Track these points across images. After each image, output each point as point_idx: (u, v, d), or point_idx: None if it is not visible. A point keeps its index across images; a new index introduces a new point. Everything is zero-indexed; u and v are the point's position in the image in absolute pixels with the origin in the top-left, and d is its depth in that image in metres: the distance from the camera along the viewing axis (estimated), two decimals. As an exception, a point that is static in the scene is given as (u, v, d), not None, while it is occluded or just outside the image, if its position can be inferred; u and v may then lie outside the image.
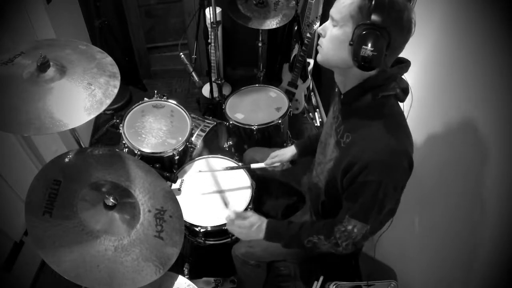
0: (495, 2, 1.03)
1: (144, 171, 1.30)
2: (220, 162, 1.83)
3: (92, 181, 1.16)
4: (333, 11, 1.02)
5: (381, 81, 1.03)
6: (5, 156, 1.72)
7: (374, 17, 0.93)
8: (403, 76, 1.07)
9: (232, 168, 1.72)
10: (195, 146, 1.92)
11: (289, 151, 1.60)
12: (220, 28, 2.55)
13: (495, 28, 1.03)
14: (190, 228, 1.59)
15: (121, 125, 1.83)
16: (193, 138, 1.93)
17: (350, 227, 1.09)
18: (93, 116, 1.09)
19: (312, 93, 2.98)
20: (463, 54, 1.18)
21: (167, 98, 1.99)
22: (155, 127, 1.86)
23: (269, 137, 2.08)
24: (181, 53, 2.46)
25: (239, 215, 1.31)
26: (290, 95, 2.71)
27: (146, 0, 3.08)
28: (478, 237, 1.10)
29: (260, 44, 2.51)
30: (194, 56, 2.65)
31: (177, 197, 1.34)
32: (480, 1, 1.10)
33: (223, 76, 2.84)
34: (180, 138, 1.82)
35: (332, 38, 1.03)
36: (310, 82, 2.79)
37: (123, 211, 1.15)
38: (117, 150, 1.32)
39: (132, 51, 3.03)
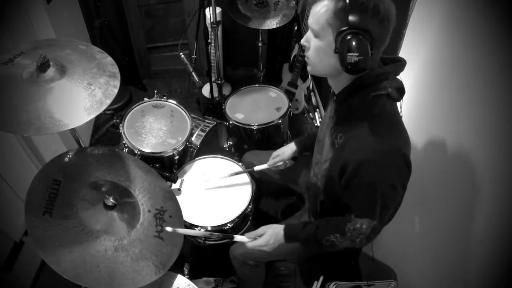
0: (495, 2, 1.03)
1: (144, 171, 1.30)
2: (220, 162, 1.83)
3: (92, 181, 1.16)
4: (311, 22, 1.03)
5: (370, 80, 1.02)
6: (5, 156, 1.72)
7: (351, 19, 0.92)
8: (398, 76, 1.07)
9: (236, 173, 1.72)
10: (196, 147, 1.92)
11: (289, 149, 1.61)
12: (220, 28, 2.55)
13: (495, 28, 1.03)
14: (190, 228, 1.59)
15: (121, 125, 1.83)
16: (193, 138, 1.93)
17: (358, 225, 1.09)
18: (93, 116, 1.09)
19: (312, 93, 2.98)
20: (463, 54, 1.18)
21: (167, 98, 1.98)
22: (155, 127, 1.86)
23: (269, 137, 2.08)
24: (181, 53, 2.46)
25: (251, 238, 1.31)
26: (290, 95, 2.71)
27: (146, 0, 3.08)
28: (478, 237, 1.10)
29: (260, 44, 2.51)
30: (194, 56, 2.65)
31: (177, 197, 1.34)
32: (480, 1, 1.10)
33: (223, 76, 2.84)
34: (180, 138, 1.82)
35: (316, 50, 1.03)
36: (310, 82, 2.79)
37: (123, 211, 1.15)
38: (117, 150, 1.32)
39: (132, 51, 3.03)
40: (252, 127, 2.00)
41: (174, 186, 1.66)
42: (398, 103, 1.10)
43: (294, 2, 2.23)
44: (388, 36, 0.99)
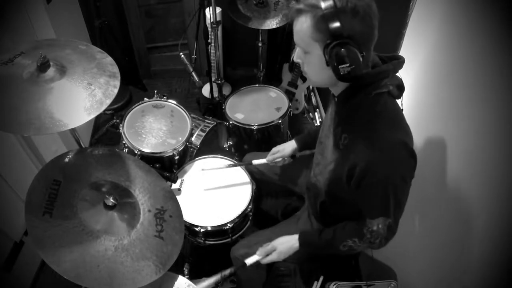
0: (495, 2, 1.03)
1: (144, 171, 1.30)
2: (220, 162, 1.82)
3: (92, 181, 1.16)
4: (296, 40, 1.03)
5: (371, 79, 1.02)
6: (5, 156, 1.72)
7: (333, 29, 0.92)
8: (397, 74, 1.07)
9: (234, 165, 1.72)
10: (196, 147, 1.92)
11: (290, 146, 1.61)
12: (220, 28, 2.55)
13: (495, 28, 1.03)
14: (190, 228, 1.59)
15: (121, 125, 1.83)
16: (193, 138, 1.93)
17: (375, 227, 1.10)
18: (93, 116, 1.09)
19: (312, 93, 2.98)
20: (463, 54, 1.18)
21: (167, 98, 1.98)
22: (155, 127, 1.86)
23: (269, 137, 2.08)
24: (181, 53, 2.46)
25: (263, 254, 1.32)
26: (290, 95, 2.71)
27: (146, 0, 3.08)
28: (478, 237, 1.10)
29: (260, 44, 2.51)
30: (194, 56, 2.65)
31: (177, 197, 1.34)
32: (480, 1, 1.10)
33: (223, 76, 2.84)
34: (180, 138, 1.82)
35: (310, 65, 1.04)
36: (310, 82, 2.79)
37: (123, 211, 1.15)
38: (117, 150, 1.32)
39: (132, 51, 3.03)
40: (252, 127, 2.00)
41: (174, 186, 1.66)
42: (398, 100, 1.11)
43: (294, 2, 2.23)
44: (375, 30, 0.97)
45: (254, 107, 2.13)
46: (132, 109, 1.90)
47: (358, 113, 1.07)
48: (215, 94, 2.59)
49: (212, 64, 2.57)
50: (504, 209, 0.99)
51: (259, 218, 1.84)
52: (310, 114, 2.90)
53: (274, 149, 1.64)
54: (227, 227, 1.56)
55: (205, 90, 2.92)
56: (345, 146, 1.09)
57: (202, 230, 1.56)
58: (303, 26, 0.98)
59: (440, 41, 1.31)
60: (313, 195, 1.38)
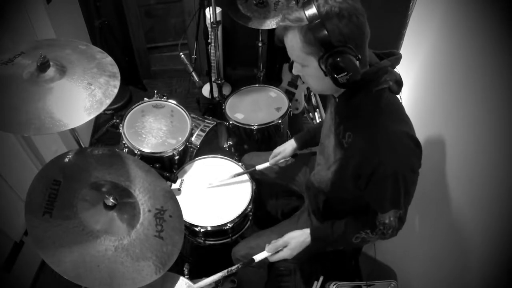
0: (495, 2, 1.03)
1: (144, 171, 1.30)
2: (220, 162, 1.83)
3: (92, 181, 1.16)
4: (291, 56, 1.03)
5: (371, 77, 1.02)
6: (5, 156, 1.71)
7: (323, 39, 0.91)
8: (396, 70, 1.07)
9: (239, 174, 1.72)
10: (196, 147, 1.92)
11: (290, 146, 1.61)
12: (220, 28, 2.55)
13: (495, 28, 1.03)
14: (190, 228, 1.59)
15: (121, 125, 1.83)
16: (193, 138, 1.93)
17: (387, 221, 1.11)
18: (93, 116, 1.09)
19: (312, 93, 2.98)
20: (463, 54, 1.18)
21: (167, 98, 1.98)
22: (155, 127, 1.86)
23: (269, 137, 2.08)
24: (181, 53, 2.46)
25: (273, 250, 1.29)
26: (290, 95, 2.71)
27: (146, 0, 3.08)
28: (478, 237, 1.10)
29: (260, 44, 2.51)
30: (194, 56, 2.65)
31: (177, 197, 1.34)
32: (480, 1, 1.10)
33: (223, 76, 2.84)
34: (180, 138, 1.82)
35: (310, 76, 1.04)
36: (310, 82, 2.78)
37: (123, 211, 1.15)
38: (117, 150, 1.32)
39: (132, 51, 3.03)
40: (252, 127, 2.00)
41: (174, 186, 1.66)
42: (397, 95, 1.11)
43: (294, 2, 2.23)
44: (365, 28, 0.96)
45: (254, 107, 2.13)
46: (132, 109, 1.90)
47: (361, 111, 1.07)
48: (215, 94, 2.59)
49: (212, 64, 2.57)
50: (504, 209, 0.99)
51: (259, 218, 1.84)
52: (310, 114, 2.90)
53: (275, 151, 1.64)
54: (227, 227, 1.56)
55: (205, 90, 2.92)
56: (350, 145, 1.09)
57: (202, 230, 1.56)
58: (293, 42, 0.97)
59: (440, 41, 1.31)
60: (313, 194, 1.38)
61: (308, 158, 1.65)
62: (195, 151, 1.92)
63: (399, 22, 1.58)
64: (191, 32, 2.81)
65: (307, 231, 1.27)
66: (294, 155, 1.64)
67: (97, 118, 2.83)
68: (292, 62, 1.09)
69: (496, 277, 1.02)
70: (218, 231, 1.59)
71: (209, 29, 2.24)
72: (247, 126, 2.01)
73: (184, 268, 1.52)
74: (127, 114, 1.87)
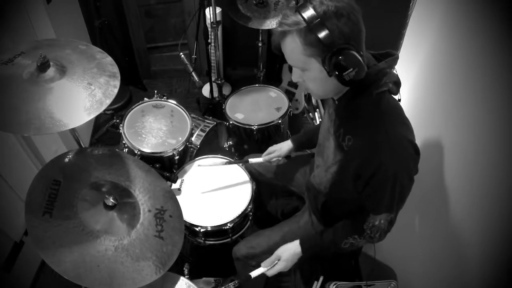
0: (495, 2, 1.03)
1: (144, 171, 1.30)
2: (219, 162, 1.82)
3: (92, 181, 1.16)
4: (290, 62, 1.02)
5: (371, 78, 1.02)
6: (5, 156, 1.71)
7: (325, 39, 0.90)
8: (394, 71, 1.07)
9: (231, 162, 1.72)
10: (196, 147, 1.92)
11: (286, 146, 1.61)
12: (220, 28, 2.55)
13: (495, 28, 1.03)
14: (190, 228, 1.59)
15: (121, 125, 1.83)
16: (193, 138, 1.93)
17: (377, 222, 1.11)
18: (93, 116, 1.09)
19: (312, 93, 2.98)
20: (463, 54, 1.18)
21: (167, 98, 1.98)
22: (155, 127, 1.86)
23: (269, 137, 2.08)
24: (181, 53, 2.45)
25: (269, 264, 1.31)
26: (290, 95, 2.71)
27: (146, 0, 3.08)
28: (478, 237, 1.10)
29: (260, 44, 2.51)
30: (194, 56, 2.65)
31: (177, 197, 1.34)
32: (480, 1, 1.10)
33: (223, 76, 2.84)
34: (180, 138, 1.82)
35: (312, 80, 1.03)
36: (310, 82, 2.78)
37: (123, 211, 1.15)
38: (117, 150, 1.32)
39: (132, 51, 3.03)
40: (252, 127, 2.00)
41: (174, 186, 1.66)
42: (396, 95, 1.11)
43: (294, 2, 2.23)
44: (362, 25, 0.96)
45: (254, 107, 2.13)
46: (132, 109, 1.90)
47: (362, 114, 1.06)
48: (215, 94, 2.59)
49: (212, 64, 2.57)
50: (504, 209, 0.99)
51: (259, 218, 1.84)
52: (310, 114, 2.90)
53: (270, 148, 1.64)
54: (227, 227, 1.56)
55: (205, 90, 2.92)
56: (350, 148, 1.09)
57: (202, 230, 1.56)
58: (292, 46, 0.97)
59: (440, 41, 1.31)
60: (313, 196, 1.38)
61: (306, 160, 1.65)
62: (195, 151, 1.92)
63: (399, 22, 1.58)
64: (191, 32, 2.81)
65: (296, 242, 1.29)
66: (287, 156, 1.64)
67: (97, 118, 2.83)
68: None
69: (496, 277, 1.02)
70: (218, 231, 1.59)
71: (209, 29, 2.24)
72: (247, 126, 2.01)
73: (184, 268, 1.52)
74: (127, 114, 1.87)
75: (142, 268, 1.08)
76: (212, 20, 2.17)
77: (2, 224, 1.68)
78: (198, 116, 2.09)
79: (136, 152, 1.75)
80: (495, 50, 1.02)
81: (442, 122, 1.31)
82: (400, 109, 1.09)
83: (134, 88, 3.05)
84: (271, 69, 3.00)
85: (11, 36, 1.73)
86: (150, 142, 1.80)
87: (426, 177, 1.36)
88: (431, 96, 1.39)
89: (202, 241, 1.63)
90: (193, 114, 1.99)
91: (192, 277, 1.46)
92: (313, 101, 2.98)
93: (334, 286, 1.51)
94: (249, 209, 1.63)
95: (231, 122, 2.05)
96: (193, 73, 2.58)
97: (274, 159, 1.62)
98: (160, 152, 1.76)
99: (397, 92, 1.07)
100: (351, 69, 0.92)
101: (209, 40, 2.32)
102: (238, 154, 2.13)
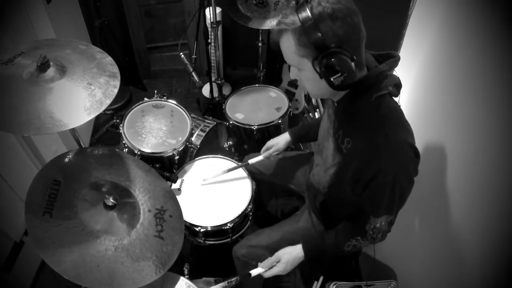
0: (495, 2, 1.03)
1: (144, 171, 1.30)
2: (220, 162, 1.83)
3: (92, 181, 1.16)
4: (287, 61, 1.02)
5: (371, 81, 1.01)
6: (5, 156, 1.71)
7: (316, 41, 0.90)
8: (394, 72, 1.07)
9: (231, 169, 1.72)
10: (196, 147, 1.92)
11: (284, 139, 1.61)
12: (220, 28, 2.55)
13: (495, 28, 1.03)
14: (190, 228, 1.59)
15: (121, 125, 1.83)
16: (193, 138, 1.93)
17: (378, 224, 1.11)
18: (93, 116, 1.09)
19: (312, 93, 2.98)
20: (463, 54, 1.18)
21: (167, 98, 1.98)
22: (155, 127, 1.86)
23: (269, 137, 2.07)
24: (181, 53, 2.45)
25: (267, 265, 1.30)
26: (290, 95, 2.71)
27: (146, 0, 3.08)
28: (478, 237, 1.10)
29: (260, 44, 2.51)
30: (194, 56, 2.65)
31: (177, 197, 1.34)
32: (480, 1, 1.10)
33: (223, 76, 2.84)
34: (180, 138, 1.82)
35: (307, 80, 1.03)
36: (310, 82, 2.78)
37: (123, 211, 1.15)
38: (117, 150, 1.32)
39: (132, 51, 3.03)
40: (252, 127, 2.00)
41: (174, 186, 1.66)
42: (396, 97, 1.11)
43: (294, 2, 2.23)
44: (360, 29, 0.94)
45: (254, 107, 2.13)
46: (132, 109, 1.90)
47: (361, 118, 1.06)
48: (215, 94, 2.59)
49: (212, 64, 2.57)
50: (504, 209, 0.99)
51: (259, 217, 1.84)
52: (310, 114, 2.90)
53: (268, 143, 1.64)
54: (227, 227, 1.56)
55: (205, 90, 2.92)
56: (349, 150, 1.09)
57: (202, 230, 1.56)
58: (287, 45, 0.97)
59: (440, 41, 1.31)
60: (313, 195, 1.38)
61: (308, 158, 1.65)
62: (195, 151, 1.92)
63: (399, 22, 1.58)
64: (191, 32, 2.81)
65: (298, 246, 1.28)
66: (286, 148, 1.64)
67: (97, 118, 2.83)
68: None
69: (496, 277, 1.02)
70: (218, 231, 1.59)
71: (209, 29, 2.24)
72: (247, 126, 2.01)
73: (184, 268, 1.52)
74: (127, 114, 1.87)
75: (142, 268, 1.08)
76: (212, 20, 2.17)
77: (2, 224, 1.68)
78: (198, 116, 2.09)
79: (136, 152, 1.75)
80: (495, 50, 1.02)
81: (442, 122, 1.31)
82: (400, 112, 1.09)
83: (134, 88, 3.05)
84: (271, 69, 3.00)
85: (11, 36, 1.73)
86: (150, 142, 1.80)
87: (426, 177, 1.36)
88: (431, 96, 1.39)
89: (202, 241, 1.63)
90: (193, 114, 1.99)
91: (192, 277, 1.46)
92: (313, 101, 2.98)
93: (334, 286, 1.51)
94: (249, 209, 1.63)
95: (231, 122, 2.05)
96: (193, 73, 2.58)
97: (274, 154, 1.63)
98: (160, 152, 1.76)
99: (397, 94, 1.07)
100: (339, 74, 0.92)
101: (209, 40, 2.32)
102: (238, 154, 2.13)
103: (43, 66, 1.10)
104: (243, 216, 1.61)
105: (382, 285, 1.49)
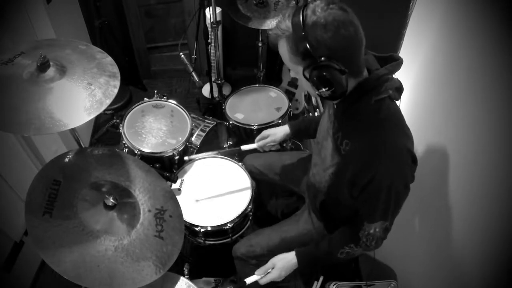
0: (495, 2, 1.03)
1: (144, 171, 1.30)
2: (220, 162, 1.83)
3: (92, 181, 1.16)
4: (285, 62, 1.03)
5: (371, 84, 1.01)
6: (5, 156, 1.71)
7: (305, 52, 0.89)
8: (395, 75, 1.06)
9: (222, 152, 1.69)
10: (196, 147, 1.92)
11: (282, 131, 1.58)
12: (220, 28, 2.55)
13: (495, 28, 1.03)
14: (190, 228, 1.59)
15: (121, 125, 1.83)
16: (193, 138, 1.93)
17: (372, 231, 1.10)
18: (93, 116, 1.09)
19: (312, 93, 2.98)
20: (463, 54, 1.18)
21: (167, 98, 1.99)
22: (155, 127, 1.86)
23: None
24: (181, 53, 2.45)
25: (263, 272, 1.30)
26: (290, 95, 2.71)
27: (146, 0, 3.08)
28: (478, 237, 1.10)
29: (260, 44, 2.51)
30: (194, 56, 2.65)
31: (177, 197, 1.34)
32: (480, 1, 1.10)
33: (223, 76, 2.84)
34: (180, 138, 1.82)
35: (304, 82, 1.02)
36: (310, 82, 2.78)
37: (123, 211, 1.15)
38: (117, 150, 1.32)
39: (132, 51, 3.03)
40: (252, 127, 2.00)
41: (174, 186, 1.66)
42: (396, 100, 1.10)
43: (294, 2, 2.23)
44: (357, 37, 0.92)
45: (254, 107, 2.13)
46: (132, 109, 1.90)
47: (360, 121, 1.06)
48: (215, 94, 2.59)
49: (212, 64, 2.57)
50: (504, 209, 0.99)
51: (259, 217, 1.84)
52: (310, 114, 2.90)
53: (264, 132, 1.60)
54: (227, 227, 1.56)
55: (205, 90, 2.92)
56: (347, 152, 1.08)
57: (202, 230, 1.56)
58: (282, 50, 0.98)
59: (440, 41, 1.31)
60: (313, 195, 1.38)
61: (308, 158, 1.65)
62: (195, 151, 1.92)
63: (399, 22, 1.58)
64: (191, 32, 2.81)
65: (293, 252, 1.28)
66: (282, 147, 1.61)
67: (97, 118, 2.83)
68: None
69: (496, 277, 1.02)
70: (218, 231, 1.59)
71: (209, 29, 2.24)
72: (247, 126, 2.01)
73: (184, 268, 1.52)
74: (127, 114, 1.87)
75: (142, 268, 1.08)
76: (212, 20, 2.17)
77: (2, 224, 1.68)
78: (198, 116, 2.09)
79: (136, 152, 1.75)
80: (495, 50, 1.02)
81: (442, 122, 1.31)
82: (400, 116, 1.08)
83: (134, 88, 3.05)
84: (271, 69, 3.00)
85: (11, 36, 1.73)
86: (150, 142, 1.80)
87: (426, 177, 1.36)
88: (431, 96, 1.39)
89: (202, 241, 1.63)
90: (193, 114, 1.99)
91: (192, 277, 1.46)
92: (313, 101, 2.98)
93: (334, 286, 1.51)
94: (249, 209, 1.63)
95: (231, 122, 2.05)
96: (193, 73, 2.58)
97: (268, 144, 1.59)
98: (160, 152, 1.76)
99: (398, 97, 1.06)
100: (327, 89, 0.92)
101: (209, 40, 2.32)
102: (238, 154, 2.13)
103: (43, 66, 1.10)
104: (243, 216, 1.61)
105: (382, 285, 1.49)
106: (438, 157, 1.31)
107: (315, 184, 1.33)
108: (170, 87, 3.18)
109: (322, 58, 0.89)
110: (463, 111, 1.18)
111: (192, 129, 1.86)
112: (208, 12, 2.31)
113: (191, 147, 1.93)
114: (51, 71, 1.12)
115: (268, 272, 1.29)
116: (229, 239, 1.65)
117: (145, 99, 1.97)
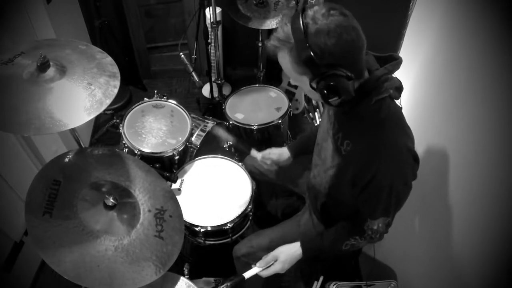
0: (495, 2, 1.03)
1: (144, 171, 1.30)
2: (220, 162, 1.83)
3: (92, 181, 1.16)
4: (286, 73, 1.02)
5: (372, 85, 1.01)
6: (5, 156, 1.71)
7: (310, 62, 0.88)
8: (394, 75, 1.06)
9: (212, 133, 1.71)
10: (196, 147, 1.92)
11: (286, 155, 1.59)
12: (220, 28, 2.55)
13: (495, 28, 1.03)
14: (190, 228, 1.59)
15: (121, 125, 1.83)
16: (193, 138, 1.93)
17: (375, 227, 1.12)
18: (93, 116, 1.09)
19: (312, 93, 2.98)
20: (463, 54, 1.18)
21: (167, 98, 1.99)
22: (155, 127, 1.86)
23: (269, 137, 2.08)
24: (181, 53, 2.45)
25: (264, 265, 1.30)
26: (290, 95, 2.71)
27: (146, 0, 3.08)
28: (478, 237, 1.10)
29: (260, 44, 2.51)
30: (194, 56, 2.65)
31: (177, 197, 1.34)
32: (480, 1, 1.10)
33: (223, 76, 2.84)
34: (180, 138, 1.82)
35: (306, 90, 1.01)
36: (310, 82, 2.78)
37: (123, 211, 1.15)
38: (117, 150, 1.32)
39: (132, 51, 3.03)
40: (252, 127, 2.00)
41: (174, 186, 1.66)
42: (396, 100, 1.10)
43: (294, 2, 2.23)
44: (359, 40, 0.92)
45: (254, 107, 2.13)
46: (132, 109, 1.90)
47: (361, 121, 1.06)
48: (215, 94, 2.59)
49: (212, 64, 2.57)
50: (504, 209, 0.99)
51: (259, 218, 1.84)
52: (310, 114, 2.90)
53: (271, 151, 1.61)
54: (227, 227, 1.56)
55: (205, 90, 2.92)
56: (348, 153, 1.09)
57: (202, 230, 1.56)
58: (284, 61, 0.96)
59: (440, 41, 1.31)
60: (314, 196, 1.38)
61: (309, 161, 1.65)
62: (195, 151, 1.92)
63: (399, 22, 1.58)
64: (191, 32, 2.81)
65: (296, 244, 1.28)
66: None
67: (97, 118, 2.83)
68: None
69: (496, 277, 1.02)
70: (218, 231, 1.59)
71: (209, 29, 2.24)
72: (247, 126, 2.01)
73: (184, 268, 1.52)
74: (127, 114, 1.87)
75: (142, 268, 1.08)
76: (212, 20, 2.17)
77: (2, 224, 1.68)
78: (198, 116, 2.09)
79: (136, 152, 1.75)
80: (495, 50, 1.02)
81: (442, 122, 1.31)
82: (400, 116, 1.08)
83: (134, 88, 3.05)
84: (271, 69, 3.00)
85: (11, 36, 1.73)
86: (150, 142, 1.80)
87: (426, 177, 1.36)
88: (431, 96, 1.39)
89: (202, 241, 1.63)
90: (193, 114, 1.99)
91: (192, 277, 1.46)
92: (313, 101, 2.98)
93: (334, 286, 1.51)
94: (249, 209, 1.63)
95: (231, 122, 2.05)
96: (193, 73, 2.58)
97: (269, 162, 1.60)
98: (160, 152, 1.76)
99: (398, 97, 1.06)
100: (337, 98, 0.92)
101: (209, 40, 2.32)
102: (238, 154, 2.13)
103: (43, 66, 1.10)
104: (243, 216, 1.61)
105: (382, 285, 1.49)
106: (438, 157, 1.31)
107: (315, 185, 1.33)
108: (170, 87, 3.18)
109: (327, 65, 0.89)
110: (463, 111, 1.18)
111: (192, 129, 1.86)
112: (208, 12, 2.31)
113: (191, 147, 1.93)
114: (51, 71, 1.12)
115: (270, 265, 1.28)
116: (229, 239, 1.65)
117: (145, 99, 1.97)
